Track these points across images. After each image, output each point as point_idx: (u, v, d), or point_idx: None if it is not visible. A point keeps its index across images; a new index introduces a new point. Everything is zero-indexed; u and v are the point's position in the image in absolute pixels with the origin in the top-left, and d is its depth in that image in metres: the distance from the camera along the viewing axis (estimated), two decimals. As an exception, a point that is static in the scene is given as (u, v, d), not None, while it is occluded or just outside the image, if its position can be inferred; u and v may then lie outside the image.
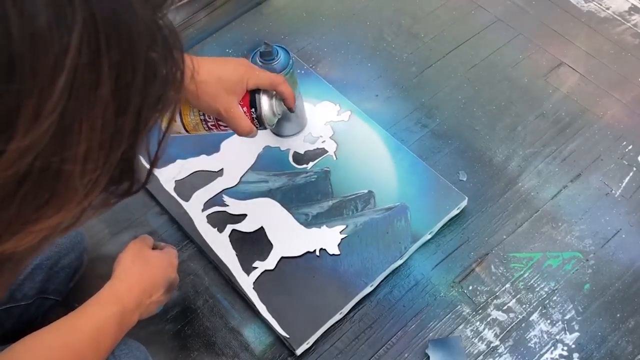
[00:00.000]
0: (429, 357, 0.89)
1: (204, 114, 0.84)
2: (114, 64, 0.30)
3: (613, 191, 1.02)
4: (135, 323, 0.76)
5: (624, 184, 1.03)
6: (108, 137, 0.31)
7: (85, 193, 0.32)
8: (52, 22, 0.28)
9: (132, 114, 0.32)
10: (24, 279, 0.84)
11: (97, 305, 0.71)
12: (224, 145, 1.09)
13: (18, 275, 0.36)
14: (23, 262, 0.36)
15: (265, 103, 0.82)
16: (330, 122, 1.10)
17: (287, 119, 1.05)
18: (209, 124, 0.85)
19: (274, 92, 0.84)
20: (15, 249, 0.32)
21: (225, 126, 0.84)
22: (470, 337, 0.91)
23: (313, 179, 1.04)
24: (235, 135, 1.09)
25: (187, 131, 0.86)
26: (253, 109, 0.82)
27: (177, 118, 0.84)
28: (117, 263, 0.78)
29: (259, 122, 0.83)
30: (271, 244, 0.98)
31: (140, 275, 0.77)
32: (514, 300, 0.94)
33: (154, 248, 0.86)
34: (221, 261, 0.97)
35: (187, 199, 1.04)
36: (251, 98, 0.82)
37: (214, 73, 0.78)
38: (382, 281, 0.96)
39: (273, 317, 0.92)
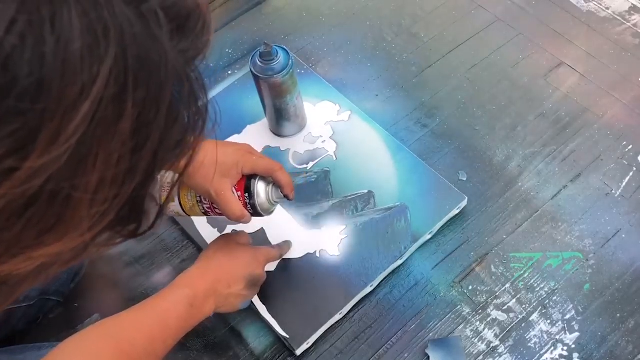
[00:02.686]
0: (429, 357, 0.89)
1: (200, 196, 0.83)
2: (138, 101, 0.30)
3: (613, 191, 1.02)
4: (212, 312, 0.77)
5: (624, 184, 1.03)
6: (122, 172, 0.32)
7: (90, 225, 0.32)
8: (85, 51, 0.28)
9: (148, 153, 0.33)
10: None
11: (168, 289, 0.73)
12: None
13: (13, 301, 0.36)
14: (19, 289, 0.36)
15: (260, 190, 0.81)
16: (330, 122, 1.10)
17: (287, 119, 1.05)
18: (205, 206, 0.83)
19: (271, 179, 0.82)
20: (12, 272, 0.32)
21: (219, 211, 0.82)
22: (470, 337, 0.91)
23: (313, 179, 1.04)
24: (236, 135, 1.10)
25: (184, 212, 0.86)
26: (247, 194, 0.80)
27: (175, 199, 0.84)
28: (201, 254, 0.82)
29: (253, 209, 0.81)
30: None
31: (218, 264, 0.78)
32: (514, 300, 0.94)
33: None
34: (221, 261, 0.97)
35: (187, 199, 1.04)
36: (247, 183, 0.80)
37: (211, 155, 0.76)
38: (382, 281, 0.96)
39: (273, 317, 0.92)
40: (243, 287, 0.80)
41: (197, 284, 0.74)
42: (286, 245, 0.94)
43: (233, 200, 0.79)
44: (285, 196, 0.83)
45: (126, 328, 0.67)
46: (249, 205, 0.81)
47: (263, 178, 0.82)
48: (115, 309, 0.97)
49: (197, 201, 0.83)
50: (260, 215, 0.83)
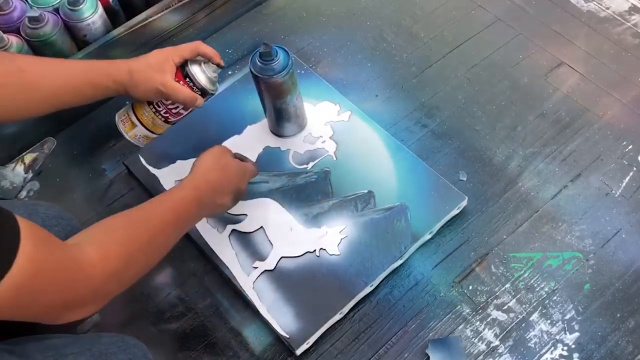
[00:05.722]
0: (429, 357, 0.89)
1: (154, 106, 0.91)
2: None
3: (613, 191, 1.02)
4: (207, 217, 0.92)
5: (624, 184, 1.03)
6: None
7: None
8: None
9: None
10: None
11: (178, 188, 0.82)
12: (224, 145, 1.09)
13: None
14: None
15: (196, 70, 0.89)
16: (330, 122, 1.10)
17: (287, 119, 1.05)
18: (162, 112, 0.91)
19: (201, 58, 0.91)
20: None
21: (175, 108, 0.91)
22: (470, 337, 0.91)
23: (313, 179, 1.04)
24: (236, 136, 1.10)
25: (149, 130, 0.93)
26: (188, 79, 0.88)
27: (136, 121, 0.92)
28: (198, 160, 0.88)
29: (199, 90, 0.90)
30: (271, 244, 0.98)
31: (217, 176, 0.87)
32: (514, 300, 0.94)
33: (236, 157, 0.95)
34: (221, 261, 0.97)
35: (187, 199, 1.04)
36: (182, 71, 0.89)
37: (142, 61, 0.87)
38: (382, 281, 0.96)
39: (273, 317, 0.92)
40: (230, 199, 0.89)
41: (201, 189, 0.83)
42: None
43: (181, 87, 0.88)
44: (217, 65, 0.92)
45: (142, 213, 0.75)
46: (195, 88, 0.89)
47: (194, 61, 0.90)
48: (115, 308, 0.97)
49: (154, 112, 0.91)
50: (208, 94, 0.91)
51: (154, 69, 0.86)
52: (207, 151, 0.90)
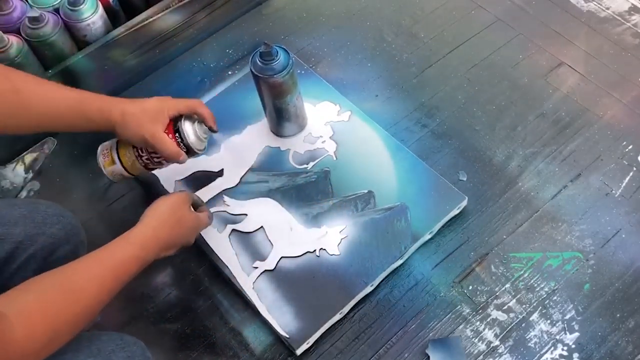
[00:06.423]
0: (429, 357, 0.89)
1: (138, 150, 0.90)
2: None
3: (613, 191, 1.02)
4: None
5: (624, 184, 1.03)
6: None
7: None
8: None
9: None
10: (16, 268, 0.84)
11: (122, 245, 0.77)
12: (225, 145, 1.09)
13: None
14: None
15: (188, 128, 0.89)
16: (330, 122, 1.10)
17: (287, 119, 1.05)
18: (144, 158, 0.91)
19: (196, 117, 0.91)
20: None
21: (158, 158, 0.90)
22: (470, 337, 0.91)
23: (313, 179, 1.04)
24: (236, 136, 1.10)
25: (127, 171, 0.93)
26: (177, 134, 0.88)
27: (116, 159, 0.91)
28: (154, 210, 0.84)
29: (186, 147, 0.89)
30: (271, 244, 0.98)
31: (170, 232, 0.83)
32: (514, 300, 0.94)
33: (193, 204, 0.91)
34: (221, 261, 0.97)
35: (187, 199, 1.04)
36: (174, 126, 0.88)
37: (137, 105, 0.86)
38: (382, 281, 0.96)
39: (273, 317, 0.92)
40: (174, 251, 0.86)
41: (149, 247, 0.80)
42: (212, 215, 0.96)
43: (167, 140, 0.87)
44: (210, 128, 0.92)
45: (79, 278, 0.71)
46: (182, 145, 0.88)
47: (188, 117, 0.90)
48: (115, 308, 0.97)
49: (136, 156, 0.91)
50: (194, 153, 0.90)
51: (147, 116, 0.86)
52: (165, 199, 0.86)
